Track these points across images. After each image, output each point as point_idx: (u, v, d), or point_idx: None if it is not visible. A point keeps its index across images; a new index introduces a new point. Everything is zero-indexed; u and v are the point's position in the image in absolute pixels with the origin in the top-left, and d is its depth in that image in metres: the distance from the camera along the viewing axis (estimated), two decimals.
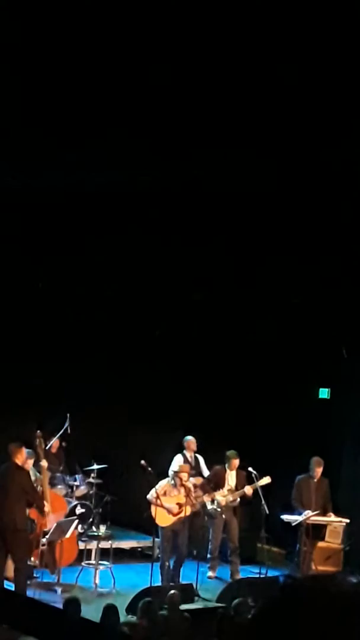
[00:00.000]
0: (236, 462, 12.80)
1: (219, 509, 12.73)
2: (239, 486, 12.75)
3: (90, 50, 8.11)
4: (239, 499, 12.79)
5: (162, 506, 11.97)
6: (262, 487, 12.40)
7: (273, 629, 5.22)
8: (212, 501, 12.71)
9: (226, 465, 12.85)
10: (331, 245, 12.66)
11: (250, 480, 12.68)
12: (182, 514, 12.05)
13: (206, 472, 13.21)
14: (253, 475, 12.55)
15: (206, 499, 12.66)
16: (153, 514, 12.01)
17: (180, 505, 12.08)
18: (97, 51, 8.12)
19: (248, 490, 12.58)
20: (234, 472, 12.85)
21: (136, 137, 9.81)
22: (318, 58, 8.05)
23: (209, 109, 9.09)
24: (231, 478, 12.84)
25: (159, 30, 7.66)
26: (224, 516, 12.78)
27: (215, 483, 12.81)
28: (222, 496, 12.73)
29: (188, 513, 12.12)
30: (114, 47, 8.01)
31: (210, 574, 12.69)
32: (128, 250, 13.39)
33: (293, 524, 12.61)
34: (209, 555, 12.87)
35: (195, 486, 12.61)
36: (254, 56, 8.03)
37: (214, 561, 12.87)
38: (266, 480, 12.48)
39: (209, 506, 12.70)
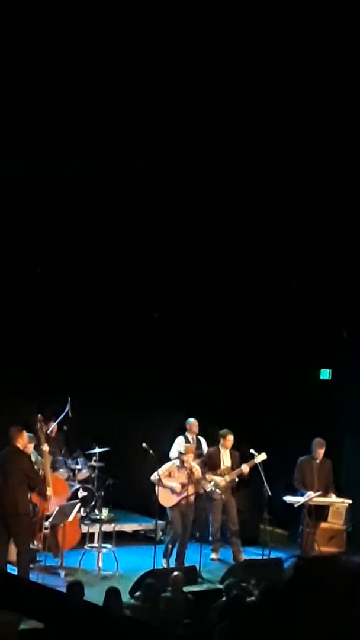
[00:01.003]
0: (229, 440, 12.83)
1: (217, 491, 12.74)
2: (234, 465, 12.77)
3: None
4: (236, 479, 12.78)
5: (165, 486, 12.00)
6: (264, 468, 12.39)
7: (279, 610, 5.19)
8: (211, 482, 12.71)
9: (220, 445, 12.89)
10: (331, 226, 12.64)
11: (245, 459, 12.68)
12: (186, 494, 12.07)
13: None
14: (251, 453, 12.55)
15: (205, 480, 12.67)
16: (159, 496, 12.03)
17: (183, 485, 12.11)
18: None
19: (245, 468, 12.59)
20: (228, 452, 12.88)
21: (134, 122, 9.78)
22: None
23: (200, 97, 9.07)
24: (226, 457, 12.86)
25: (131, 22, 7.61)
26: (223, 497, 12.79)
27: (211, 464, 12.83)
28: (220, 476, 12.72)
29: (192, 493, 12.15)
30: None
31: (213, 556, 12.73)
32: (126, 233, 13.36)
33: (295, 506, 12.63)
34: (210, 538, 12.88)
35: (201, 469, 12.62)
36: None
37: (216, 543, 12.89)
38: (262, 456, 12.46)
39: (208, 488, 12.70)
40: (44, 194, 12.30)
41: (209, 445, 13.22)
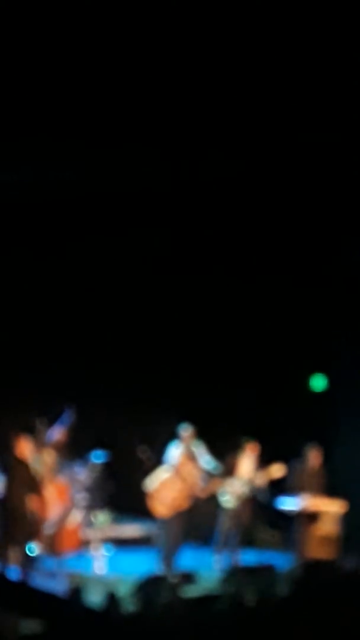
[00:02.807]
0: (250, 448, 12.83)
1: (229, 499, 12.80)
2: (251, 474, 12.78)
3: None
4: (251, 488, 12.76)
5: (160, 499, 12.08)
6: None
7: (277, 615, 5.41)
8: (224, 491, 12.74)
9: (238, 453, 12.88)
10: (327, 228, 12.82)
11: (261, 468, 12.75)
12: (179, 507, 12.20)
13: (206, 458, 13.23)
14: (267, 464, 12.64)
15: (215, 488, 12.71)
16: (151, 505, 12.13)
17: (176, 498, 12.20)
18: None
19: (259, 479, 12.63)
20: (248, 459, 12.86)
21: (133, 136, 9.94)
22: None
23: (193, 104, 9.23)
24: (245, 465, 12.86)
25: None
26: (235, 506, 12.79)
27: (228, 473, 12.76)
28: (236, 485, 12.76)
29: (184, 506, 12.25)
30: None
31: (217, 563, 12.69)
32: (124, 237, 13.52)
33: (289, 511, 12.75)
34: (216, 545, 12.87)
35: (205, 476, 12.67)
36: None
37: (220, 550, 12.83)
38: (279, 469, 12.54)
39: (221, 496, 12.73)
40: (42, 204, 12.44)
41: (216, 451, 13.19)
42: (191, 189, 11.99)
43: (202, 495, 12.58)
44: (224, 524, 12.86)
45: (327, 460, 13.24)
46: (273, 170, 11.30)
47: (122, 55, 8.70)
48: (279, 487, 12.93)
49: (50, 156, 11.00)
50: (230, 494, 12.70)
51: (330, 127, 10.15)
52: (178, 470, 12.27)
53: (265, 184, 11.68)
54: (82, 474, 13.52)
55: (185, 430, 12.98)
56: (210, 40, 8.44)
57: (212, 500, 13.09)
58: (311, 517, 12.67)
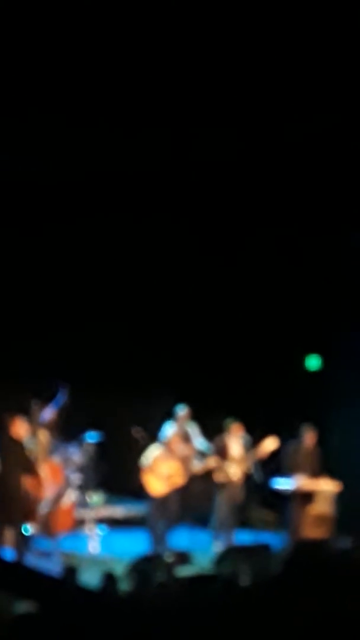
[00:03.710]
0: (236, 428, 12.85)
1: (226, 480, 12.80)
2: (243, 453, 12.81)
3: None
4: (251, 467, 12.74)
5: (154, 476, 12.12)
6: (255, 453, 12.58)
7: (272, 594, 5.39)
8: (220, 472, 12.75)
9: (226, 434, 12.88)
10: (319, 208, 12.80)
11: (252, 445, 12.77)
12: (173, 484, 12.22)
13: (199, 440, 13.27)
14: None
15: (212, 467, 12.73)
16: (145, 483, 12.16)
17: (171, 475, 12.24)
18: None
19: (260, 452, 12.64)
20: (235, 440, 12.87)
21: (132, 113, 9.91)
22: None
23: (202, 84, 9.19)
24: (234, 446, 12.90)
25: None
26: (232, 484, 12.79)
27: (218, 454, 12.79)
28: (231, 466, 12.77)
29: (179, 483, 12.28)
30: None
31: (216, 545, 12.65)
32: (119, 219, 13.50)
33: (284, 490, 12.78)
34: (213, 526, 12.88)
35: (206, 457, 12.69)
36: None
37: (219, 532, 12.84)
38: (272, 442, 12.58)
39: (218, 477, 12.76)
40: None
41: (211, 432, 13.22)
42: (187, 169, 11.96)
43: (198, 471, 12.60)
44: (220, 504, 12.88)
45: (322, 440, 13.26)
46: (270, 150, 11.27)
47: (115, 35, 8.64)
48: (273, 467, 12.95)
49: (51, 138, 10.97)
50: (226, 475, 12.73)
51: (333, 108, 10.13)
52: (170, 448, 12.31)
53: (262, 163, 11.65)
54: (76, 454, 13.54)
55: (182, 410, 13.00)
56: (206, 24, 8.40)
57: (207, 481, 13.12)
58: (306, 497, 12.70)
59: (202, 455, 12.95)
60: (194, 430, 13.18)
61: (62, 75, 9.17)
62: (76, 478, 13.17)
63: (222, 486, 12.81)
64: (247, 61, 9.11)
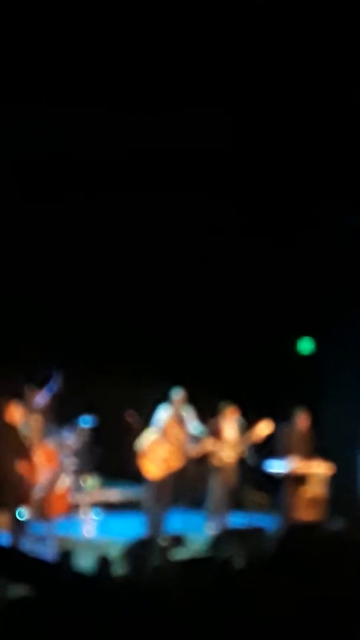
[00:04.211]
0: (231, 411, 12.90)
1: (220, 464, 12.85)
2: (238, 436, 12.86)
3: None
4: (245, 450, 12.79)
5: (150, 460, 12.17)
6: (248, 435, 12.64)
7: (266, 576, 5.43)
8: (215, 455, 12.80)
9: (221, 417, 12.94)
10: (312, 195, 12.80)
11: (247, 428, 12.81)
12: (169, 468, 12.28)
13: (194, 424, 13.29)
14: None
15: (208, 450, 12.77)
16: (141, 467, 12.20)
17: (167, 459, 12.29)
18: None
19: (254, 435, 12.69)
20: (230, 423, 12.93)
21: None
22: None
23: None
24: (228, 429, 12.95)
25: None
26: (227, 467, 12.86)
27: (212, 437, 12.84)
28: (225, 448, 12.82)
29: (175, 466, 12.34)
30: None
31: (211, 528, 12.72)
32: (117, 203, 13.50)
33: (277, 473, 12.84)
34: (208, 509, 12.94)
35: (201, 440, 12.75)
36: None
37: (213, 515, 12.91)
38: (267, 426, 12.64)
39: (212, 460, 12.81)
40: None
41: (205, 415, 13.27)
42: (182, 150, 11.94)
43: (194, 454, 12.65)
44: (214, 487, 12.91)
45: (315, 423, 13.31)
46: (264, 132, 11.26)
47: (112, 18, 8.63)
48: (267, 450, 13.00)
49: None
50: (220, 458, 12.76)
51: (328, 91, 10.14)
52: (165, 432, 12.35)
53: (257, 145, 11.64)
54: (71, 439, 13.58)
55: (177, 394, 13.02)
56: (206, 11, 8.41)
57: (202, 464, 13.16)
58: (299, 479, 12.77)
59: (197, 439, 12.97)
60: (189, 414, 13.18)
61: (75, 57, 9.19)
62: (71, 462, 13.21)
63: (217, 469, 12.85)
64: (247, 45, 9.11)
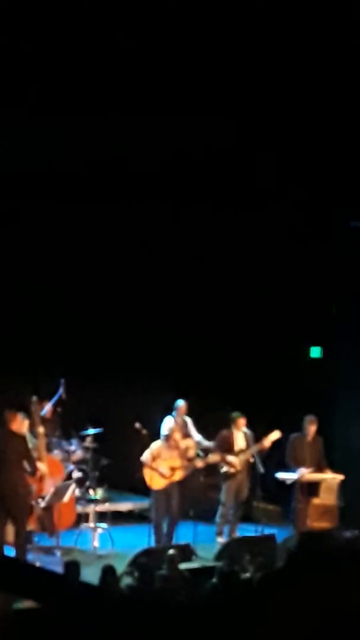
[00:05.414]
0: (241, 422, 12.78)
1: (231, 471, 12.72)
2: (248, 445, 12.73)
3: None
4: (252, 458, 12.66)
5: (155, 470, 12.05)
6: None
7: (276, 585, 5.26)
8: (224, 464, 12.67)
9: (232, 427, 12.81)
10: (321, 200, 12.75)
11: (256, 438, 12.70)
12: (174, 477, 12.15)
13: (195, 434, 13.16)
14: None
15: (217, 460, 12.65)
16: (146, 477, 12.09)
17: (173, 468, 12.17)
18: None
19: (263, 445, 12.57)
20: (241, 433, 12.80)
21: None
22: None
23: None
24: (240, 439, 12.81)
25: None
26: (238, 477, 12.73)
27: (224, 447, 12.70)
28: (235, 457, 12.67)
29: (180, 476, 12.21)
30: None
31: (220, 538, 12.58)
32: (116, 208, 13.47)
33: (288, 482, 12.72)
34: (218, 519, 12.79)
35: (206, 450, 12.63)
36: None
37: (223, 525, 12.76)
38: (276, 434, 12.54)
39: (222, 469, 12.69)
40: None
41: (202, 424, 13.20)
42: (180, 148, 11.87)
43: (200, 465, 12.55)
44: (224, 498, 12.79)
45: (325, 431, 13.19)
46: (269, 133, 11.20)
47: (116, 20, 8.58)
48: (277, 459, 12.89)
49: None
50: (231, 466, 12.65)
51: (333, 94, 10.07)
52: (171, 442, 12.24)
53: (262, 147, 11.57)
54: (77, 450, 13.48)
55: (180, 406, 12.93)
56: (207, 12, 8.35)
57: (210, 475, 13.03)
58: (309, 488, 12.63)
59: (204, 450, 12.87)
60: (187, 425, 13.11)
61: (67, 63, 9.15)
62: (77, 474, 13.10)
63: (227, 480, 12.74)
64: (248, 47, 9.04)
